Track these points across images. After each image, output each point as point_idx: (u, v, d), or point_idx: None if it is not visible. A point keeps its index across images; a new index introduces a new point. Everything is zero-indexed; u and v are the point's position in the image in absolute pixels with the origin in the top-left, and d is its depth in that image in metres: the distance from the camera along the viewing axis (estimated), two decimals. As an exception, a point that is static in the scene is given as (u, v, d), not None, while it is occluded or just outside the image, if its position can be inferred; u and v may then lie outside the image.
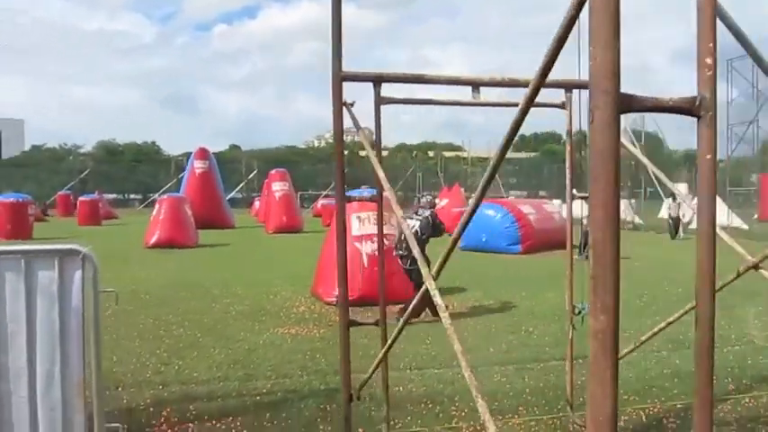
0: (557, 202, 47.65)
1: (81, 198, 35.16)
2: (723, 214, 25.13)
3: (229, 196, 52.60)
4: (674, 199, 24.11)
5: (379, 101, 3.40)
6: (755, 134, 30.53)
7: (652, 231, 27.06)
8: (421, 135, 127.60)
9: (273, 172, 28.82)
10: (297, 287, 11.39)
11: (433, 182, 53.65)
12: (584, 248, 20.60)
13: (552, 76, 1.74)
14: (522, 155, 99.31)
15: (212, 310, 9.57)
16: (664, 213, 25.88)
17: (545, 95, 3.72)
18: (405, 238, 9.20)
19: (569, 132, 3.88)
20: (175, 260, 16.54)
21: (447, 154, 78.06)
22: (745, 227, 26.94)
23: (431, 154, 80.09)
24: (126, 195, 65.93)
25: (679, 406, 5.31)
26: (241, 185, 52.95)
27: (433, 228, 9.19)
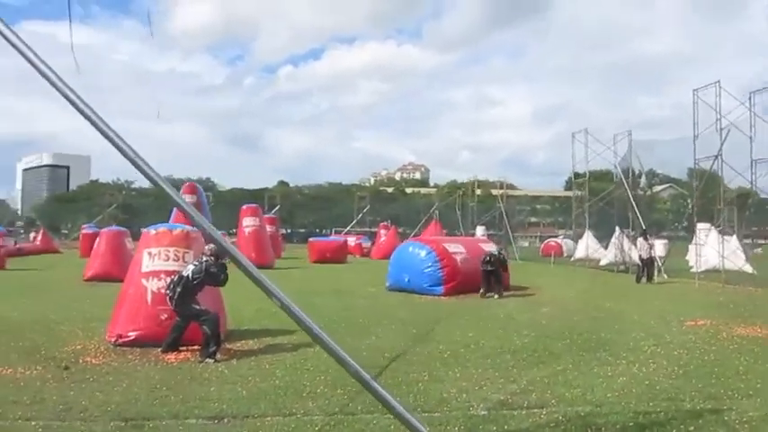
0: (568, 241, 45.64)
1: (84, 230, 36.07)
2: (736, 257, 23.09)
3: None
4: (646, 238, 22.35)
5: None
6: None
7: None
8: (477, 172, 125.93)
9: (245, 207, 28.64)
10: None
11: (453, 219, 53.13)
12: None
13: None
14: (570, 193, 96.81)
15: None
16: (635, 254, 23.93)
17: None
18: (175, 280, 8.74)
19: None
20: (85, 294, 16.36)
21: (495, 192, 77.12)
22: (751, 271, 24.47)
23: (478, 192, 79.32)
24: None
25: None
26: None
27: (206, 274, 8.75)
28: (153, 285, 9.41)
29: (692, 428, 5.59)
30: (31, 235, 54.65)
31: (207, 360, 8.27)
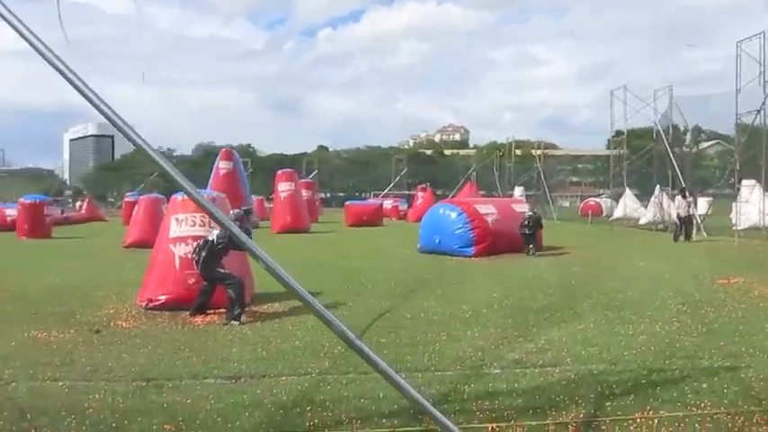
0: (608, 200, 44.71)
1: (126, 198, 37.02)
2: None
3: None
4: (685, 196, 21.84)
5: None
6: None
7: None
8: (518, 133, 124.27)
9: (280, 172, 28.88)
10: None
11: (491, 180, 52.85)
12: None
13: None
14: (608, 152, 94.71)
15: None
16: (673, 212, 23.44)
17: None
18: (200, 244, 8.96)
19: None
20: (123, 260, 16.89)
21: (535, 152, 76.14)
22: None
23: (517, 152, 78.41)
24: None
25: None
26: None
27: (230, 239, 8.90)
28: (180, 251, 9.65)
29: (704, 386, 5.53)
30: (78, 204, 56.31)
31: (232, 322, 8.49)
